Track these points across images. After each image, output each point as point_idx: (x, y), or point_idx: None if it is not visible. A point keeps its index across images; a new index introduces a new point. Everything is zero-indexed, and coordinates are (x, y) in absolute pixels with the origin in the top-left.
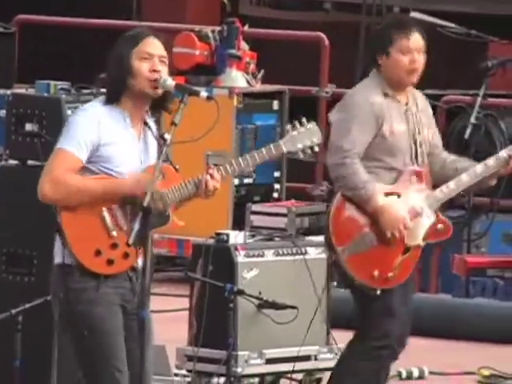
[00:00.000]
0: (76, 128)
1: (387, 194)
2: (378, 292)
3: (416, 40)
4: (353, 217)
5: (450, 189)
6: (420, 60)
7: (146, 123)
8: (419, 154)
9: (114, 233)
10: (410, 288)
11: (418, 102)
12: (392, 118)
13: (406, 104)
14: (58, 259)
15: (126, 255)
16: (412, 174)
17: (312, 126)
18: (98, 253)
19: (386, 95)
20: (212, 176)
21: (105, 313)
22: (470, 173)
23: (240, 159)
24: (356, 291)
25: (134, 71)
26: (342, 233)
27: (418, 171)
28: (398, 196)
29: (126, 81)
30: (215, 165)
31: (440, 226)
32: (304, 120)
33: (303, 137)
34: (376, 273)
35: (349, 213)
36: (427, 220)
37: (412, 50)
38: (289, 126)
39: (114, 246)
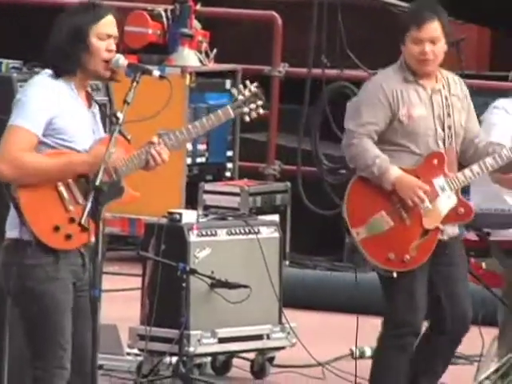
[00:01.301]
0: (28, 103)
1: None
2: (395, 274)
3: (428, 30)
4: (368, 198)
5: (473, 172)
6: (434, 50)
7: (88, 92)
8: (447, 137)
9: (71, 207)
10: (460, 270)
11: (452, 87)
12: (411, 102)
13: (433, 88)
14: (13, 234)
15: (83, 229)
16: (434, 156)
17: (256, 88)
18: (56, 228)
19: (406, 80)
20: (159, 151)
21: (56, 289)
22: (495, 156)
23: (190, 126)
24: (378, 275)
25: (91, 49)
26: (357, 215)
27: (440, 153)
28: (418, 178)
29: (80, 57)
30: (164, 133)
31: (461, 209)
32: (248, 83)
33: (249, 100)
34: (392, 255)
35: (365, 194)
36: (448, 202)
37: (423, 41)
38: (234, 90)
39: (72, 220)
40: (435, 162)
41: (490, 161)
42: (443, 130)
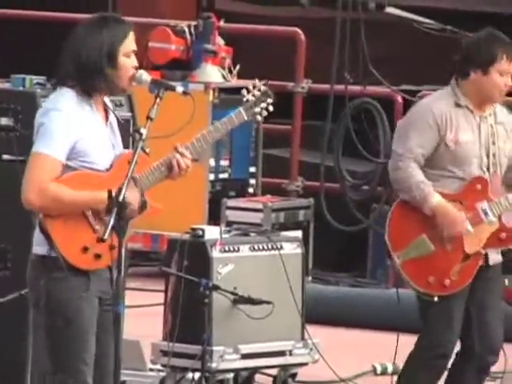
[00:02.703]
0: (52, 129)
1: (450, 200)
2: (436, 299)
3: None
4: (410, 222)
5: None
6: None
7: (106, 105)
8: (491, 165)
9: (98, 227)
10: (495, 297)
11: (498, 115)
12: (459, 127)
13: (481, 115)
14: (40, 250)
15: (112, 247)
16: (477, 181)
17: (264, 87)
18: (85, 249)
19: (457, 105)
20: (182, 154)
21: (83, 304)
22: None
23: (205, 132)
24: (417, 297)
25: (119, 67)
26: (399, 238)
27: (483, 178)
28: (461, 202)
29: (110, 75)
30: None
31: (503, 234)
32: (256, 82)
33: (259, 99)
34: (432, 279)
35: (406, 218)
36: (490, 227)
37: (509, 73)
38: (244, 91)
39: (100, 239)
40: (479, 186)
41: None
42: (488, 157)
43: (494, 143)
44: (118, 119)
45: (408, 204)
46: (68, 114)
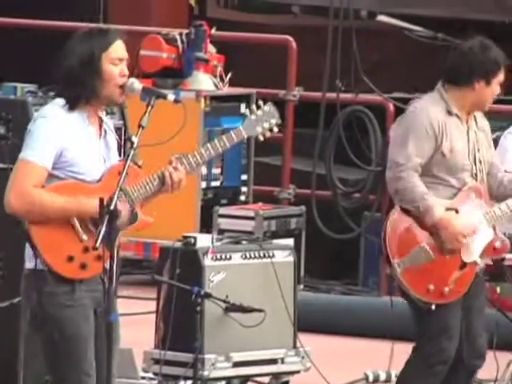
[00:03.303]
0: (38, 136)
1: (446, 209)
2: (433, 307)
3: None
4: (410, 230)
5: (508, 206)
6: None
7: (101, 119)
8: (478, 172)
9: (85, 237)
10: (480, 301)
11: (478, 121)
12: (453, 135)
13: (467, 122)
14: (29, 264)
15: (98, 258)
16: (471, 190)
17: (269, 107)
18: (70, 259)
19: (449, 113)
20: (176, 168)
21: (77, 317)
22: None
23: (202, 149)
24: (412, 305)
25: (104, 76)
26: (398, 246)
27: (477, 187)
28: (456, 211)
29: (94, 85)
30: (177, 158)
31: (498, 243)
32: (261, 102)
33: (262, 120)
34: (432, 287)
35: (406, 226)
36: (485, 237)
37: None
38: (247, 110)
39: (86, 249)
40: (473, 195)
41: None
42: (475, 164)
43: (478, 150)
44: (117, 139)
45: (407, 212)
46: (54, 121)
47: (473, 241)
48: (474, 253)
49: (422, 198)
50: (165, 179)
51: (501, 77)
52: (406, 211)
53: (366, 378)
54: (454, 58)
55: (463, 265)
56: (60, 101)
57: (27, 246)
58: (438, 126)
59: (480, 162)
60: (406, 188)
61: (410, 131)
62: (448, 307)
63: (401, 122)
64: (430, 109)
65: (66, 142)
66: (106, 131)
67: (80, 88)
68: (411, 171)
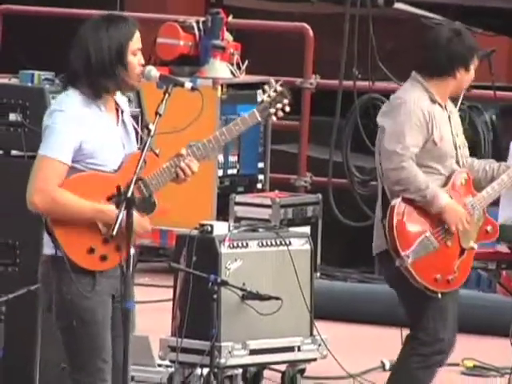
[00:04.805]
0: (56, 131)
1: None
2: (439, 295)
3: None
4: (414, 221)
5: (494, 189)
6: None
7: (117, 104)
8: (459, 157)
9: (104, 228)
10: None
11: (449, 105)
12: (441, 124)
13: (446, 108)
14: (48, 250)
15: (117, 248)
16: (459, 176)
17: (281, 87)
18: (91, 251)
19: (433, 101)
20: (189, 166)
21: (96, 304)
22: (509, 173)
23: (217, 134)
24: (411, 294)
25: (129, 67)
26: (405, 238)
27: (465, 173)
28: (451, 198)
29: (120, 75)
30: (192, 145)
31: (489, 227)
32: (273, 82)
33: (275, 100)
34: (439, 276)
35: (410, 217)
36: (478, 222)
37: None
38: (259, 91)
39: (106, 240)
40: (463, 181)
41: (506, 177)
42: (457, 150)
43: (457, 135)
44: (134, 125)
45: (409, 202)
46: (72, 114)
47: (469, 226)
48: (470, 238)
49: (427, 187)
50: (178, 172)
51: (476, 61)
52: (408, 201)
53: (383, 365)
54: (432, 50)
55: (462, 251)
56: (75, 91)
57: (45, 233)
58: (428, 116)
59: (459, 147)
60: (409, 177)
61: (403, 122)
62: (447, 295)
63: (390, 113)
64: (418, 99)
65: (84, 134)
66: (122, 113)
67: (109, 79)
68: (411, 161)
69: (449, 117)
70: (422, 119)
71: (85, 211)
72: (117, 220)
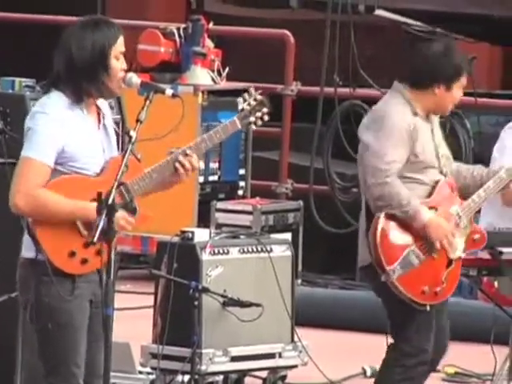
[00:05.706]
0: (39, 134)
1: (428, 209)
2: (428, 308)
3: None
4: (398, 236)
5: (480, 197)
6: None
7: (98, 106)
8: (443, 167)
9: (85, 232)
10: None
11: (433, 118)
12: (423, 136)
13: (428, 121)
14: (28, 253)
15: (98, 253)
16: (445, 186)
17: (260, 96)
18: (71, 254)
19: (415, 114)
20: (187, 155)
21: (74, 308)
22: (495, 179)
23: (198, 140)
24: (398, 308)
25: (111, 71)
26: (390, 252)
27: (450, 182)
28: (436, 209)
29: (103, 79)
30: (171, 152)
31: (476, 235)
32: (252, 91)
33: (255, 109)
34: (426, 288)
35: (393, 232)
36: (465, 231)
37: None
38: (240, 99)
39: (87, 244)
40: (447, 191)
41: (492, 184)
42: (439, 160)
43: (440, 145)
44: (116, 129)
45: (392, 218)
46: (55, 117)
47: (456, 236)
48: (457, 248)
49: (409, 203)
50: (177, 167)
51: (463, 81)
52: (391, 217)
53: (364, 372)
54: (417, 60)
55: (449, 262)
56: (58, 93)
57: (25, 235)
58: (411, 129)
59: (442, 156)
60: (391, 193)
61: (387, 138)
62: (431, 308)
63: (372, 126)
64: (400, 112)
65: (67, 137)
66: (104, 117)
67: (91, 82)
68: (394, 176)
69: (432, 129)
70: (405, 134)
71: (67, 209)
72: (97, 228)
